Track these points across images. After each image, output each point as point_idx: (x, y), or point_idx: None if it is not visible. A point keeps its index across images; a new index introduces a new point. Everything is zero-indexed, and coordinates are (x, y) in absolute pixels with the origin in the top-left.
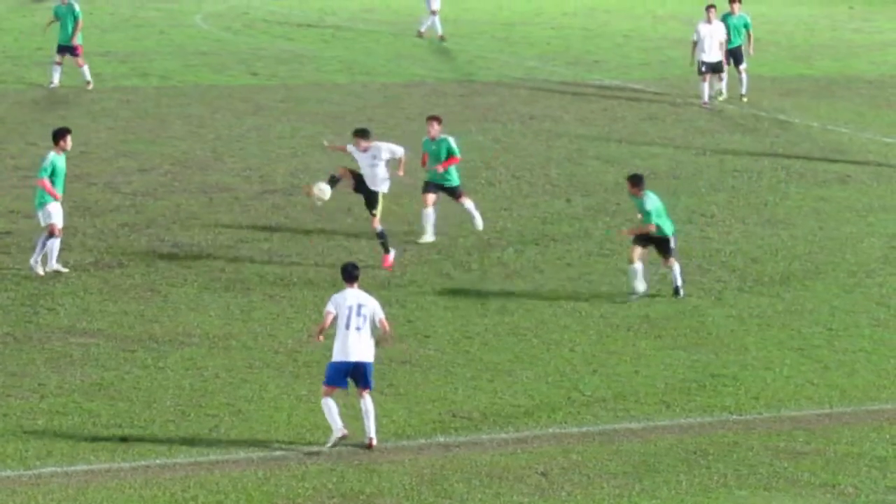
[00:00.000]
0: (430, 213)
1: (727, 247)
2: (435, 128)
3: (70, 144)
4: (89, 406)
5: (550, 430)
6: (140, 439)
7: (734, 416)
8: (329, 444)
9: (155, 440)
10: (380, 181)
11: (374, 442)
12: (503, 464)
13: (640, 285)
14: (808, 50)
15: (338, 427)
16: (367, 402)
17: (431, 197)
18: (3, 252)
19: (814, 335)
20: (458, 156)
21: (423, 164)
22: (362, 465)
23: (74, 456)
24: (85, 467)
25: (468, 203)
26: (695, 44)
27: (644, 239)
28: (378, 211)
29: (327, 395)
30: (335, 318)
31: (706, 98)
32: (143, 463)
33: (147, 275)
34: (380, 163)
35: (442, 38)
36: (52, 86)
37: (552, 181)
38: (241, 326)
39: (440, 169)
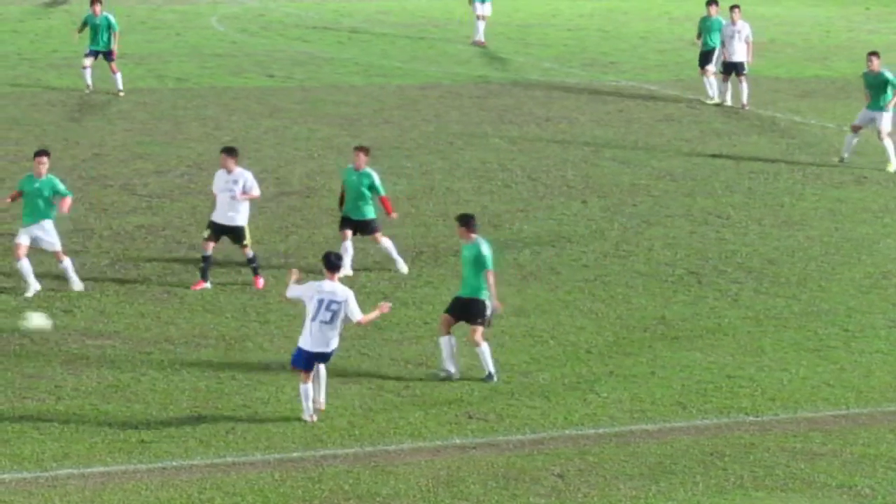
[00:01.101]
0: (348, 247)
1: (743, 248)
2: (361, 159)
3: (42, 167)
4: (106, 408)
5: (567, 432)
6: (156, 441)
7: (750, 418)
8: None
9: (171, 442)
10: (241, 213)
11: (323, 406)
12: (519, 465)
13: (453, 366)
14: (825, 51)
15: (309, 413)
16: (321, 370)
17: (349, 232)
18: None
19: (830, 336)
20: (384, 193)
21: (341, 200)
22: (378, 467)
23: (91, 458)
24: (102, 469)
25: (386, 242)
26: (722, 44)
27: (457, 307)
28: (248, 241)
29: (305, 381)
30: (303, 303)
31: (721, 98)
32: (159, 465)
33: (163, 276)
34: (238, 192)
35: (475, 41)
36: (88, 91)
37: (568, 183)
38: (258, 328)
39: (393, 216)
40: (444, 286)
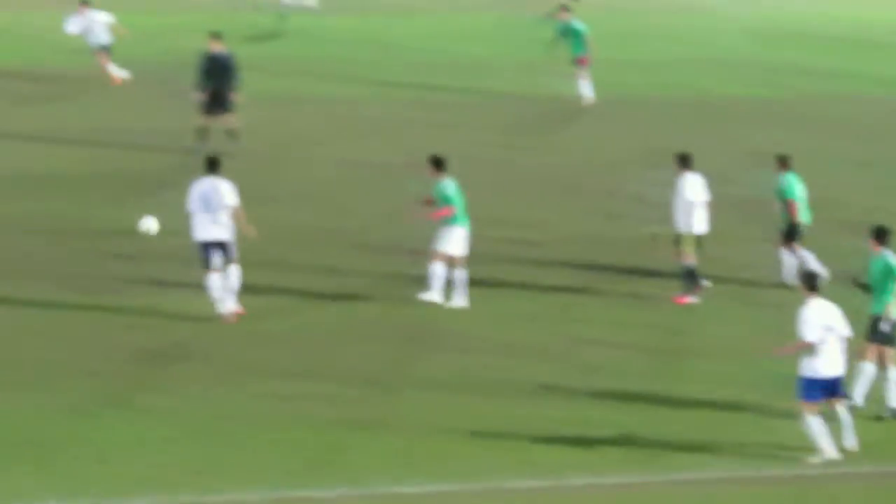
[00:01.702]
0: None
1: None
2: (779, 166)
3: (429, 172)
4: (617, 417)
5: None
6: (669, 452)
7: None
8: (814, 460)
9: (683, 454)
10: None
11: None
12: None
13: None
14: None
15: (827, 448)
16: (843, 412)
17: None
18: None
19: None
20: (790, 197)
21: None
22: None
23: (604, 466)
24: (616, 480)
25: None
26: None
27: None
28: (681, 248)
29: (812, 412)
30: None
31: None
32: (671, 477)
33: (667, 288)
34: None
35: None
36: (584, 100)
37: None
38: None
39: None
40: None
